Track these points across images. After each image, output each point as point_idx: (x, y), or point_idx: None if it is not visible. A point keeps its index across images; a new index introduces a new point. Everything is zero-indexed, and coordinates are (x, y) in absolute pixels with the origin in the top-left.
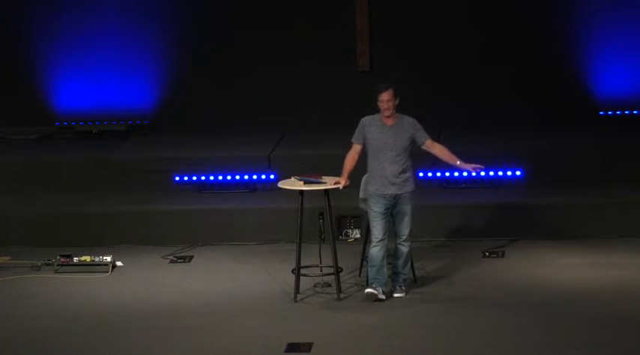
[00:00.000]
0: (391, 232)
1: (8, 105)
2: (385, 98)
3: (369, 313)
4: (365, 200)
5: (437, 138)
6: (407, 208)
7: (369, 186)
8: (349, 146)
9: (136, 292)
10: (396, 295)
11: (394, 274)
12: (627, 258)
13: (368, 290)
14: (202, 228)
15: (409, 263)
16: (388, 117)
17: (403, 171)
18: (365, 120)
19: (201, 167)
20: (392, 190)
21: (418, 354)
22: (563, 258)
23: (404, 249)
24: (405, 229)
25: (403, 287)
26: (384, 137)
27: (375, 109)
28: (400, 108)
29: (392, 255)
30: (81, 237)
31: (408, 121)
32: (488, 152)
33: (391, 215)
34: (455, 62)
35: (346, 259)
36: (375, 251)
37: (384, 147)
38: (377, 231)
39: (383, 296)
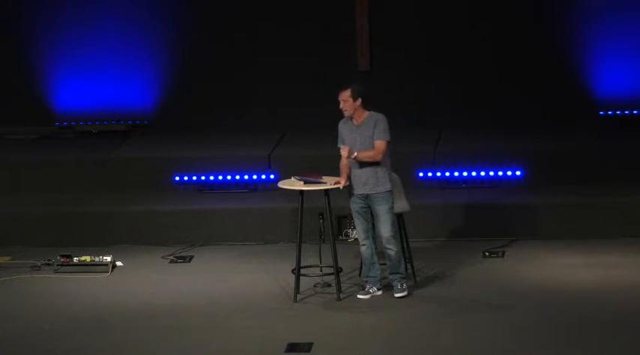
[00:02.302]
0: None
1: (8, 105)
2: (340, 98)
3: (369, 313)
4: None
5: (437, 139)
6: (380, 209)
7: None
8: None
9: (136, 292)
10: (397, 295)
11: (391, 275)
12: (627, 258)
13: (358, 296)
14: (202, 228)
15: (402, 262)
16: (351, 117)
17: (373, 171)
18: (341, 121)
19: (201, 167)
20: (363, 190)
21: (418, 354)
22: (563, 258)
23: (389, 251)
24: (384, 231)
25: (404, 286)
26: (352, 137)
27: (382, 109)
28: (400, 108)
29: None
30: (81, 237)
31: (375, 118)
32: (489, 152)
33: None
34: (455, 62)
35: (346, 259)
36: (363, 250)
37: (353, 147)
38: (358, 230)
39: (379, 293)
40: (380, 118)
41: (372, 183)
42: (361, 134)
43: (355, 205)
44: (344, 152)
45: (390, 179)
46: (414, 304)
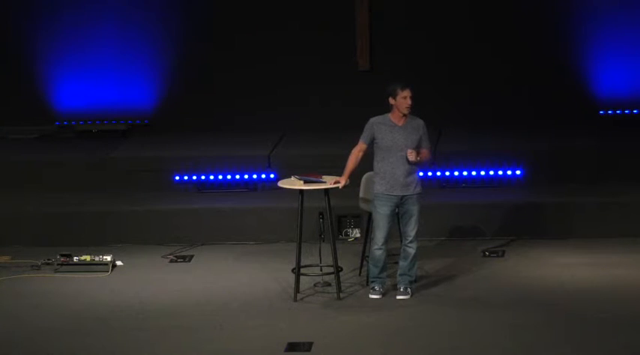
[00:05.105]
0: (395, 233)
1: (8, 105)
2: (410, 94)
3: (369, 313)
4: (365, 199)
5: (437, 139)
6: (414, 209)
7: (377, 185)
8: (349, 146)
9: (136, 292)
10: (400, 297)
11: (400, 276)
12: (627, 258)
13: (371, 296)
14: (202, 228)
15: (415, 265)
16: (404, 116)
17: (412, 172)
18: (374, 119)
19: (201, 167)
20: (401, 191)
21: (418, 354)
22: (563, 258)
23: (410, 250)
24: (411, 231)
25: (409, 290)
26: (394, 137)
27: (383, 109)
28: None
29: (398, 255)
30: (81, 236)
31: (418, 123)
32: (489, 152)
33: (397, 216)
34: (455, 61)
35: (346, 258)
36: (379, 253)
37: (393, 148)
38: (380, 234)
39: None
40: (424, 124)
41: (410, 184)
42: (407, 136)
43: (386, 209)
44: (411, 156)
45: None
46: (414, 304)
